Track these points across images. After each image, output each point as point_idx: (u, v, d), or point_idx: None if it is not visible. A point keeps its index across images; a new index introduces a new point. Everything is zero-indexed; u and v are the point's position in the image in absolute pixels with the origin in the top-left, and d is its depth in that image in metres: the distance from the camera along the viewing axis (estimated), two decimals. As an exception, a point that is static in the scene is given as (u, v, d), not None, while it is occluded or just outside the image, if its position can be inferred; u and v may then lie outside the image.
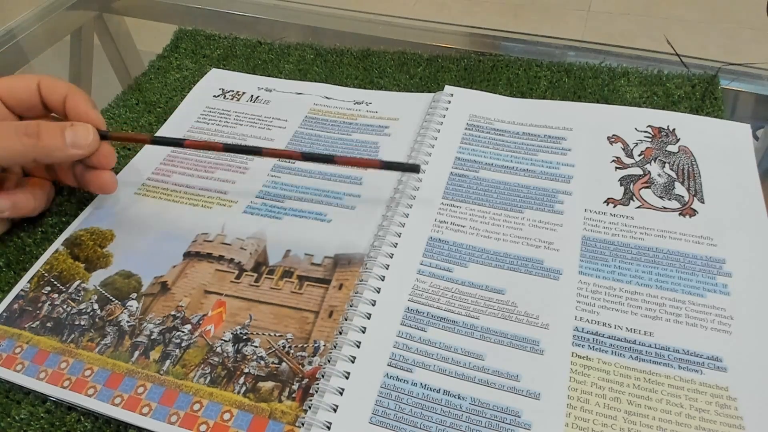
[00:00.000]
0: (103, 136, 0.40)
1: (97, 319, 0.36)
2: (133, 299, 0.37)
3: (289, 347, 0.34)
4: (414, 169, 0.40)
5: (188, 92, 0.53)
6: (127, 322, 0.36)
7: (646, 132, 0.43)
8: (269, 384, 0.33)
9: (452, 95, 0.48)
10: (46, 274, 0.39)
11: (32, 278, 0.39)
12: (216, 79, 0.54)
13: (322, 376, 0.32)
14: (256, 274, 0.38)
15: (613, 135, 0.43)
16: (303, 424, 0.31)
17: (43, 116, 0.42)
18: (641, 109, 0.45)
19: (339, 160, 0.39)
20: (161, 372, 0.33)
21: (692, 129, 0.43)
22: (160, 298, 0.37)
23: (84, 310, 0.37)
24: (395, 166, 0.41)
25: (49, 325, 0.36)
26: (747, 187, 0.39)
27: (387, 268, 0.36)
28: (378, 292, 0.35)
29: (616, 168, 0.41)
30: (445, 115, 0.46)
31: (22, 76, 0.40)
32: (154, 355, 0.34)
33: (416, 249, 0.38)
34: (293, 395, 0.32)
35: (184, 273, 0.38)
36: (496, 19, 1.71)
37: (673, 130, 0.43)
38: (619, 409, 0.30)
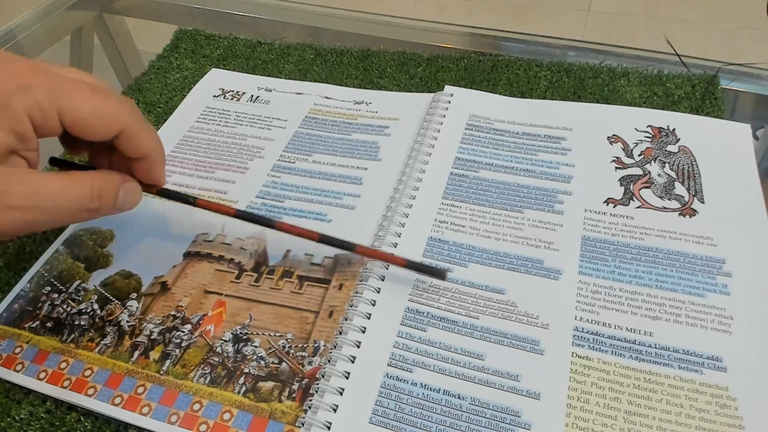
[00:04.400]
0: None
1: (97, 319, 0.36)
2: (133, 299, 0.37)
3: (289, 347, 0.34)
4: (440, 275, 0.35)
5: (188, 92, 0.53)
6: (127, 322, 0.36)
7: (646, 132, 0.43)
8: (269, 384, 0.33)
9: (452, 95, 0.48)
10: (46, 274, 0.39)
11: (32, 278, 0.39)
12: (216, 79, 0.54)
13: (322, 376, 0.32)
14: (256, 274, 0.38)
15: (613, 135, 0.43)
16: (303, 424, 0.31)
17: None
18: (641, 109, 0.45)
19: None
20: (161, 372, 0.33)
21: (692, 129, 0.43)
22: (160, 298, 0.37)
23: (84, 310, 0.37)
24: (418, 267, 0.35)
25: (49, 325, 0.36)
26: (747, 187, 0.39)
27: (387, 268, 0.36)
28: (378, 292, 0.35)
29: (616, 168, 0.41)
30: (445, 115, 0.46)
31: (104, 110, 0.30)
32: (154, 355, 0.34)
33: (416, 249, 0.38)
34: (293, 395, 0.32)
35: (184, 273, 0.38)
36: (496, 19, 1.71)
37: (673, 130, 0.43)
38: (619, 409, 0.30)
